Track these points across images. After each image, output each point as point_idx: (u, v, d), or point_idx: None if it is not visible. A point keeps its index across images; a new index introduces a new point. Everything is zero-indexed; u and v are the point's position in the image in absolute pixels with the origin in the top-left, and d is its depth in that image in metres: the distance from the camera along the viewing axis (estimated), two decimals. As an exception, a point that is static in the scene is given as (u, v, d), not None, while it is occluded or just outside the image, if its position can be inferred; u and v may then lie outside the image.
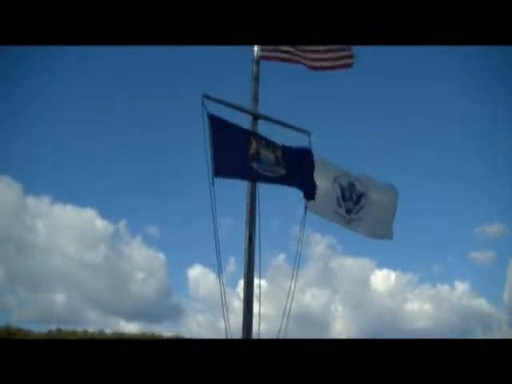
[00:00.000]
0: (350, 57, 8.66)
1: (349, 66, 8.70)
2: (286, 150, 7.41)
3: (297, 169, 7.44)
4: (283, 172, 7.25)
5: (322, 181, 7.96)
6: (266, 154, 7.16)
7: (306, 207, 7.64)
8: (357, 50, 8.61)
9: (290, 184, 7.43)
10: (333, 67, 8.67)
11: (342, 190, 8.41)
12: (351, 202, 8.44)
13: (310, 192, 7.62)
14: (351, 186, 8.52)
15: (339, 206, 8.35)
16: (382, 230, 8.76)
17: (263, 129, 7.67)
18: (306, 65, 8.62)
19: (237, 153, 6.94)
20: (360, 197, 8.52)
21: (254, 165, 7.02)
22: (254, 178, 7.19)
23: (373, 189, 8.66)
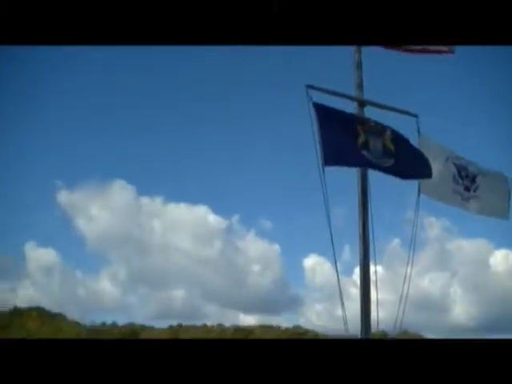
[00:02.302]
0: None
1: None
2: (394, 133, 7.27)
3: (405, 153, 7.28)
4: (392, 162, 7.10)
5: (433, 162, 7.68)
6: (375, 143, 7.05)
7: (419, 191, 7.49)
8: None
9: (398, 175, 7.24)
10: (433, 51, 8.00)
11: (458, 168, 8.16)
12: (468, 179, 8.19)
13: (425, 171, 7.43)
14: (466, 165, 8.27)
15: (456, 183, 8.11)
16: (500, 209, 8.54)
17: (369, 116, 7.50)
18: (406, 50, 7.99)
19: (346, 140, 6.83)
20: (475, 177, 8.27)
21: (365, 153, 6.93)
22: (366, 165, 7.08)
23: (485, 173, 8.41)
